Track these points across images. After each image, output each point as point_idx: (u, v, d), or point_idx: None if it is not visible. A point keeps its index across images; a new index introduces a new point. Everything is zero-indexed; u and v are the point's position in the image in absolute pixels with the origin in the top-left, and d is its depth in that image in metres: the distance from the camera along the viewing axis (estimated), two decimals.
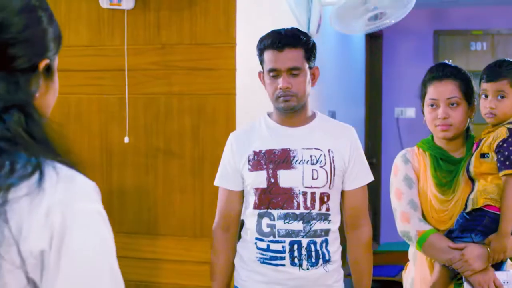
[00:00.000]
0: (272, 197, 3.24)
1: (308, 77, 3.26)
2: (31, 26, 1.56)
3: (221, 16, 4.23)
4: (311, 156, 3.25)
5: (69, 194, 1.52)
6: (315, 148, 3.27)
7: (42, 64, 1.58)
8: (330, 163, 3.26)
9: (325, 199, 3.25)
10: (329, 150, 3.27)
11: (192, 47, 4.30)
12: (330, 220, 3.27)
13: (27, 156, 1.48)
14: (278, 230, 3.23)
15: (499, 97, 3.17)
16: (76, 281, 1.48)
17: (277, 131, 3.33)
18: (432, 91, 3.30)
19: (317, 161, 3.24)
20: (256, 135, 3.35)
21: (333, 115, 6.69)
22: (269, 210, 3.25)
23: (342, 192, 3.36)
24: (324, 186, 3.23)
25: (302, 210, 3.22)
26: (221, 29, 4.23)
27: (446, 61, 3.44)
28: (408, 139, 8.97)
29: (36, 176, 1.47)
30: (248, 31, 4.34)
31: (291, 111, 3.26)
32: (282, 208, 3.22)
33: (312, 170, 3.23)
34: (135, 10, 4.36)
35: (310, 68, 3.28)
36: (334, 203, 3.29)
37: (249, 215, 3.33)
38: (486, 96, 3.21)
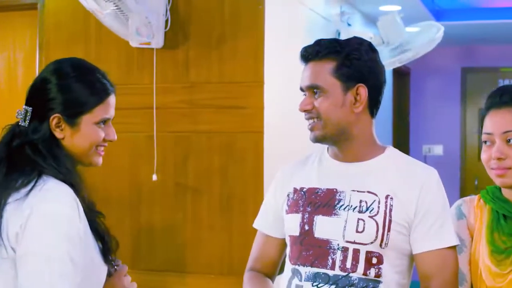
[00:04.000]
0: (303, 250, 2.49)
1: (341, 99, 2.46)
2: (37, 95, 2.25)
3: (250, 55, 4.25)
4: (360, 202, 2.45)
5: (42, 198, 2.09)
6: (368, 192, 2.46)
7: (51, 118, 2.21)
8: (385, 213, 2.42)
9: (374, 260, 2.41)
10: (387, 197, 2.44)
11: (221, 85, 4.32)
12: None
13: (30, 173, 2.14)
14: None
15: None
16: (29, 260, 2.05)
17: (328, 167, 2.58)
18: (487, 123, 2.47)
19: (366, 209, 2.43)
20: (303, 169, 2.64)
21: None
22: (297, 267, 2.50)
23: (414, 257, 2.48)
24: (372, 243, 2.40)
25: (337, 271, 2.42)
26: (249, 68, 4.25)
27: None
28: None
29: (29, 187, 2.11)
30: (276, 69, 4.36)
31: (321, 143, 2.55)
32: (312, 266, 2.46)
33: (358, 219, 2.43)
34: (164, 49, 4.39)
35: (347, 87, 2.47)
36: (391, 268, 2.43)
37: (286, 271, 2.59)
38: None
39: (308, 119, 2.51)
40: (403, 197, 2.43)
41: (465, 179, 9.15)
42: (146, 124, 4.45)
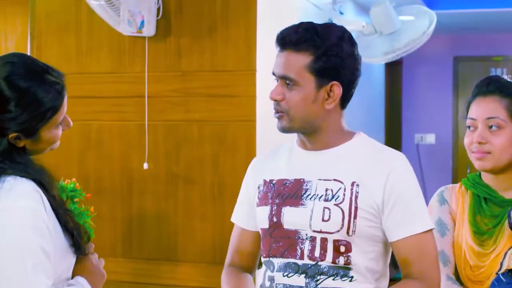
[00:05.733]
0: (273, 242, 2.45)
1: (313, 94, 2.38)
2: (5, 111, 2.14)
3: (242, 44, 4.25)
4: (326, 190, 2.39)
5: (5, 196, 2.07)
6: (335, 180, 2.40)
7: (10, 136, 2.16)
8: (351, 200, 2.36)
9: (342, 249, 2.36)
10: (353, 184, 2.38)
11: (213, 74, 4.31)
12: (352, 278, 2.37)
13: None
14: (276, 285, 2.43)
15: None
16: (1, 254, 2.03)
17: (296, 156, 2.53)
18: (473, 109, 2.62)
19: (332, 197, 2.38)
20: (273, 161, 2.58)
21: None
22: (270, 259, 2.46)
23: (391, 245, 2.42)
24: (338, 231, 2.35)
25: (306, 260, 2.38)
26: (241, 56, 4.25)
27: (500, 74, 2.76)
28: (428, 165, 8.94)
29: None
30: (269, 58, 4.34)
31: (287, 132, 2.48)
32: (282, 257, 2.42)
33: (324, 208, 2.38)
34: (156, 38, 4.38)
35: (321, 83, 2.38)
36: (362, 255, 2.39)
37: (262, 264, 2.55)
38: None
39: (275, 109, 2.43)
40: (370, 183, 2.37)
41: (457, 167, 9.16)
42: (137, 113, 4.45)
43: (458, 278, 2.61)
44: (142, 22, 4.27)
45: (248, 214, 2.61)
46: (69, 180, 3.73)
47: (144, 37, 4.38)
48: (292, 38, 2.38)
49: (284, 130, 2.44)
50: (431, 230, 2.40)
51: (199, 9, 4.34)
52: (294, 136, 2.55)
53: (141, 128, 4.44)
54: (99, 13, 4.23)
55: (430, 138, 9.23)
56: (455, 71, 9.39)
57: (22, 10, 4.98)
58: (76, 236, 2.22)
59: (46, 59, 4.36)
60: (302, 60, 2.36)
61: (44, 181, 2.17)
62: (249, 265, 2.63)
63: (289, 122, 2.40)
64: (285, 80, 2.39)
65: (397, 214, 2.35)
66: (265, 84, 4.27)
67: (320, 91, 2.38)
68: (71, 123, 2.31)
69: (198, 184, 4.34)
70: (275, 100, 2.41)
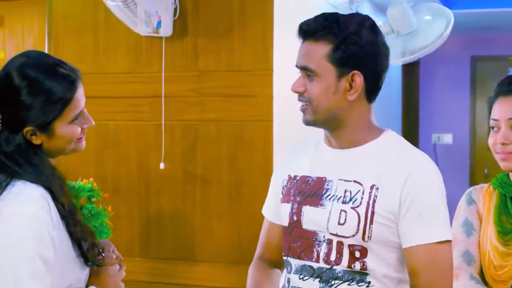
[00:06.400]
0: (292, 241, 2.39)
1: (334, 85, 2.30)
2: (7, 105, 2.16)
3: (259, 43, 4.24)
4: (345, 192, 2.30)
5: (11, 200, 2.08)
6: (354, 181, 2.30)
7: (25, 131, 2.16)
8: (368, 204, 2.26)
9: (357, 254, 2.27)
10: (372, 186, 2.27)
11: (229, 74, 4.31)
12: (369, 284, 2.28)
13: (4, 179, 2.13)
14: (291, 287, 2.39)
15: None
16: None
17: (320, 153, 2.44)
18: (495, 109, 2.60)
19: (350, 200, 2.28)
20: (299, 155, 2.51)
21: None
22: (288, 258, 2.41)
23: (403, 251, 2.30)
24: (353, 235, 2.27)
25: (321, 264, 2.31)
26: (258, 56, 4.24)
27: None
28: (445, 165, 8.90)
29: (1, 190, 2.11)
30: (286, 57, 4.34)
31: (313, 126, 2.40)
32: (299, 258, 2.36)
33: (341, 211, 2.28)
34: (172, 38, 4.39)
35: (342, 73, 2.29)
36: (378, 261, 2.28)
37: None
38: None
39: (299, 101, 2.36)
40: (388, 186, 2.25)
41: (474, 167, 9.13)
42: (154, 113, 4.45)
43: (483, 278, 2.57)
44: (159, 22, 4.27)
45: (276, 208, 2.53)
46: (86, 180, 3.75)
47: (161, 37, 4.39)
48: (311, 28, 2.31)
49: (308, 123, 2.37)
50: (447, 241, 2.26)
51: (216, 9, 4.34)
52: (315, 133, 2.48)
53: (158, 128, 4.44)
54: (116, 13, 4.24)
55: (448, 138, 9.20)
56: (473, 70, 9.35)
57: (39, 10, 5.00)
58: (83, 246, 2.20)
59: (63, 59, 4.38)
60: (321, 49, 2.28)
61: (54, 188, 2.15)
62: (277, 259, 2.53)
63: (312, 115, 2.33)
64: (306, 71, 2.32)
65: (410, 219, 2.23)
66: (282, 84, 4.27)
67: (341, 81, 2.29)
68: (92, 121, 2.30)
69: (215, 184, 4.34)
70: (297, 92, 2.34)
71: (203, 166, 4.37)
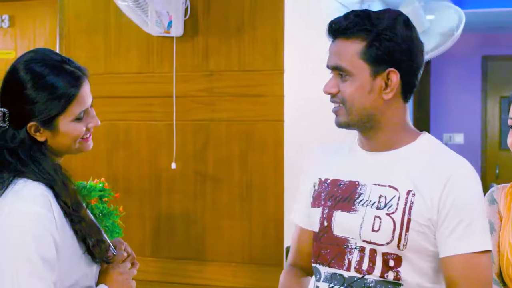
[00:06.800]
0: (322, 247, 2.26)
1: (369, 84, 2.17)
2: (12, 100, 2.17)
3: (269, 43, 4.24)
4: (380, 197, 2.17)
5: (12, 198, 2.08)
6: (390, 186, 2.18)
7: (29, 126, 2.15)
8: (404, 210, 2.13)
9: (391, 263, 2.14)
10: (408, 192, 2.14)
11: (240, 74, 4.31)
12: None
13: (8, 177, 2.13)
14: None
15: None
16: None
17: (354, 156, 2.32)
18: None
19: (385, 206, 2.16)
20: (331, 157, 2.37)
21: None
22: (317, 265, 2.28)
23: (439, 261, 2.17)
24: (388, 243, 2.13)
25: (352, 272, 2.18)
26: (269, 56, 4.24)
27: None
28: None
29: (1, 189, 2.10)
30: (296, 57, 4.34)
31: (345, 128, 2.26)
32: (329, 266, 2.24)
33: (375, 217, 2.15)
34: (183, 38, 4.39)
35: (376, 71, 2.16)
36: (413, 271, 2.16)
37: None
38: None
39: (332, 102, 2.22)
40: (426, 192, 2.12)
41: (486, 167, 9.10)
42: (165, 113, 4.46)
43: (502, 278, 2.51)
44: (170, 23, 4.28)
45: (305, 213, 2.39)
46: (98, 180, 3.75)
47: (172, 37, 4.39)
48: (342, 25, 2.17)
49: (342, 125, 2.23)
50: (487, 251, 2.12)
51: (226, 9, 4.34)
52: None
53: (169, 128, 4.45)
54: (127, 13, 4.25)
55: (459, 138, 9.17)
56: (484, 70, 9.32)
57: (51, 11, 5.01)
58: (89, 244, 2.19)
59: (74, 59, 4.39)
60: (353, 47, 2.15)
61: (56, 185, 2.14)
62: (310, 266, 2.37)
63: (346, 116, 2.20)
64: (338, 71, 2.17)
65: (449, 227, 2.10)
66: (293, 83, 4.27)
67: (376, 80, 2.16)
68: (98, 121, 2.30)
69: (226, 183, 4.34)
70: (329, 93, 2.21)
71: (214, 166, 4.38)
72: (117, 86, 4.53)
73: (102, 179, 3.80)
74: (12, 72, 2.19)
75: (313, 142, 4.45)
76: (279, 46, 4.22)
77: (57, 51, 4.56)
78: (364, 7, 5.60)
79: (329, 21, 2.20)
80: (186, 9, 4.35)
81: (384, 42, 2.13)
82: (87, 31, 4.64)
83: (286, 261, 3.35)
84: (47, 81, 2.16)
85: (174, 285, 4.45)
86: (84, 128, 2.24)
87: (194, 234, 4.41)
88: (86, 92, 2.22)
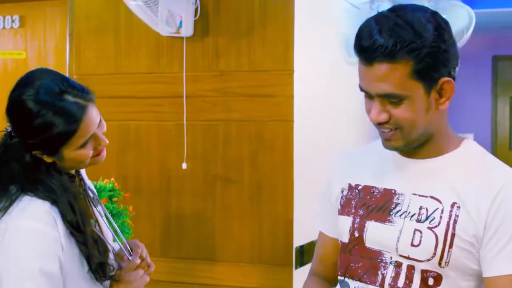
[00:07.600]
0: (352, 260, 2.11)
1: (425, 102, 1.99)
2: (19, 127, 2.18)
3: (279, 43, 4.24)
4: (420, 208, 2.01)
5: (16, 214, 2.08)
6: (431, 197, 2.01)
7: (34, 152, 2.18)
8: (448, 224, 1.96)
9: (430, 281, 1.97)
10: (453, 205, 1.98)
11: (250, 74, 4.31)
12: None
13: (15, 192, 2.13)
14: None
15: None
16: (2, 267, 2.04)
17: (390, 162, 2.14)
18: None
19: (426, 218, 1.98)
20: (362, 161, 2.22)
21: None
22: (346, 279, 2.12)
23: (484, 281, 2.00)
24: (429, 260, 1.97)
25: None
26: (279, 56, 4.24)
27: None
28: None
29: (8, 204, 2.10)
30: (306, 57, 4.34)
31: (399, 150, 2.10)
32: (360, 280, 2.07)
33: (415, 230, 1.99)
34: (193, 38, 4.39)
35: (430, 85, 1.98)
36: None
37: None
38: None
39: (381, 128, 2.02)
40: (472, 205, 1.95)
41: None
42: (175, 113, 4.46)
43: None
44: (181, 23, 4.28)
45: (331, 220, 2.25)
46: (107, 180, 3.76)
47: (182, 37, 4.39)
48: (385, 49, 1.90)
49: (396, 149, 2.07)
50: None
51: (236, 9, 4.34)
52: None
53: (179, 128, 4.45)
54: (137, 13, 4.25)
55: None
56: (494, 70, 9.31)
57: (61, 11, 5.02)
58: (92, 264, 2.19)
59: (84, 60, 4.41)
60: (403, 69, 1.92)
61: (62, 205, 2.14)
62: (334, 276, 2.24)
63: (403, 140, 2.02)
64: (386, 98, 1.97)
65: (498, 245, 1.93)
66: (303, 83, 4.26)
67: (431, 95, 2.00)
68: (106, 141, 2.28)
69: (236, 184, 4.34)
70: (379, 122, 2.00)
71: (224, 166, 4.38)
72: (127, 86, 4.53)
73: (112, 179, 3.81)
74: (13, 102, 2.18)
75: (323, 142, 4.45)
76: (289, 46, 4.22)
77: (67, 52, 4.60)
78: (374, 7, 5.59)
79: (358, 42, 1.97)
80: (196, 9, 4.35)
81: (435, 55, 1.95)
82: (97, 31, 4.64)
83: (295, 262, 3.37)
84: (44, 120, 2.13)
85: (183, 285, 4.45)
86: (91, 152, 2.23)
87: (204, 234, 4.41)
88: (90, 118, 2.18)
